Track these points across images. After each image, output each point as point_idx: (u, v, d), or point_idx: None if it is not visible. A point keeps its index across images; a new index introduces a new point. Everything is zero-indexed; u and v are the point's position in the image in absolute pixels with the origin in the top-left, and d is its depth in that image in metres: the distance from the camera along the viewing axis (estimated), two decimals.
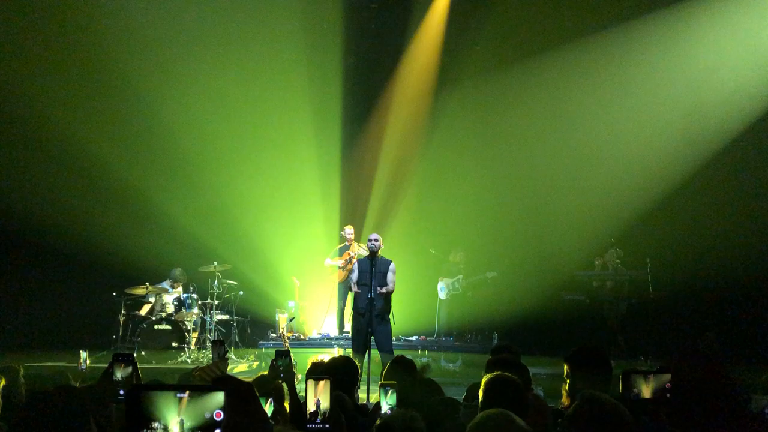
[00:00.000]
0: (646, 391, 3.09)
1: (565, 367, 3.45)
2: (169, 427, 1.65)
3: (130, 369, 3.15)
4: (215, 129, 10.83)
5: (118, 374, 3.10)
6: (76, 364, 6.40)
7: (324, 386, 2.58)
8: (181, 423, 1.65)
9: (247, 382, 1.75)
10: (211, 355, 8.95)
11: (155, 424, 1.65)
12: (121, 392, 2.98)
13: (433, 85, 11.63)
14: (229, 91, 10.82)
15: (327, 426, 2.50)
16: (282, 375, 3.27)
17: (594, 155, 10.44)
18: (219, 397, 1.66)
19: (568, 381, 3.43)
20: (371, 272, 7.47)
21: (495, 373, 3.14)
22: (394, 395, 3.36)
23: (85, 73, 10.09)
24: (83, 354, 6.28)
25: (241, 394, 1.68)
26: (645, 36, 10.15)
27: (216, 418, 1.65)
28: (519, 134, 11.06)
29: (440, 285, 11.03)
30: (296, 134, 11.19)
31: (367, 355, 7.18)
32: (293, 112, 11.08)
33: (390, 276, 7.57)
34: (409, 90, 11.72)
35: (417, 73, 11.68)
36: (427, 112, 11.69)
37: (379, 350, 7.44)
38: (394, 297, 7.71)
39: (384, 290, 7.46)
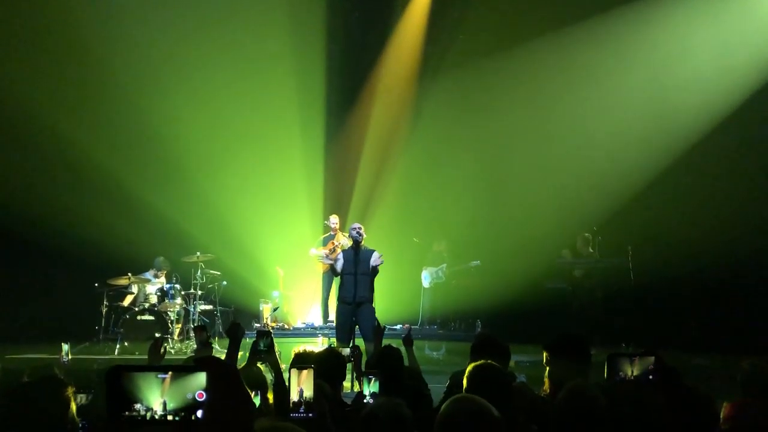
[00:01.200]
0: (631, 374, 3.13)
1: (545, 354, 3.48)
2: (152, 408, 1.64)
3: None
4: (198, 118, 10.71)
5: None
6: (58, 356, 6.35)
7: (307, 375, 2.57)
8: (164, 404, 1.64)
9: (229, 363, 1.73)
10: (194, 346, 8.98)
11: (137, 406, 1.64)
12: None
13: (416, 74, 11.64)
14: (211, 81, 10.73)
15: (310, 415, 2.49)
16: (263, 357, 3.24)
17: (575, 144, 10.51)
18: (201, 377, 1.65)
19: (548, 368, 3.47)
20: (354, 262, 7.51)
21: (480, 361, 3.16)
22: (377, 383, 3.37)
23: (62, 61, 9.96)
24: (65, 346, 6.23)
25: (223, 375, 1.67)
26: (624, 25, 10.22)
27: (198, 399, 1.64)
28: (501, 123, 11.07)
29: (424, 274, 11.08)
30: (279, 123, 11.13)
31: (351, 344, 7.21)
32: (276, 101, 10.97)
33: (375, 260, 7.59)
34: (392, 79, 11.71)
35: (400, 63, 11.67)
36: (410, 102, 11.70)
37: (364, 339, 7.47)
38: (377, 285, 7.73)
39: (377, 262, 7.53)
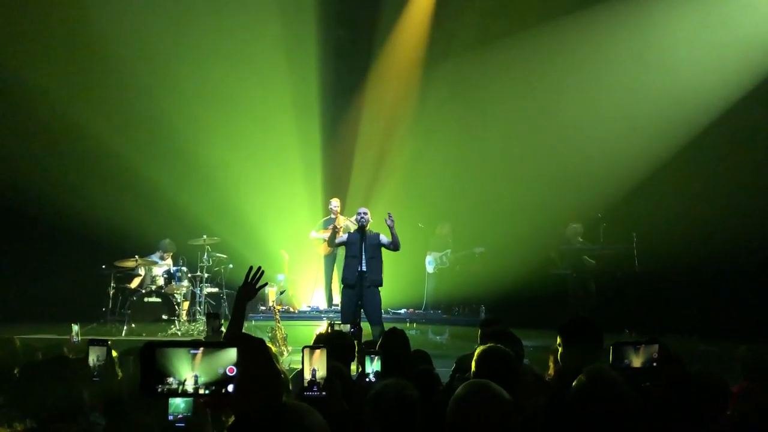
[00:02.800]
0: (636, 361, 3.17)
1: (558, 337, 3.53)
2: (184, 382, 1.70)
3: None
4: (204, 102, 10.73)
5: None
6: (67, 337, 6.43)
7: (320, 355, 2.61)
8: (195, 378, 1.71)
9: (260, 339, 1.81)
10: (201, 328, 9.09)
11: (170, 380, 1.71)
12: None
13: (420, 56, 11.61)
14: (217, 65, 10.76)
15: (323, 394, 2.54)
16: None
17: (581, 130, 10.50)
18: (232, 353, 1.72)
19: (559, 350, 3.51)
20: (361, 246, 7.56)
21: (488, 345, 3.21)
22: (379, 362, 3.42)
23: (72, 46, 9.99)
24: (75, 327, 6.31)
25: (253, 350, 1.74)
26: (634, 9, 10.19)
27: (229, 374, 1.71)
28: (507, 108, 11.07)
29: (428, 259, 11.14)
30: (277, 105, 11.13)
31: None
32: (274, 83, 11.00)
33: (384, 240, 7.64)
34: (396, 62, 11.70)
35: (404, 45, 11.66)
36: (413, 85, 11.67)
37: (369, 322, 7.54)
38: (385, 269, 7.80)
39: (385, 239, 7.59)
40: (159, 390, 1.70)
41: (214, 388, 1.71)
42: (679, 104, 9.99)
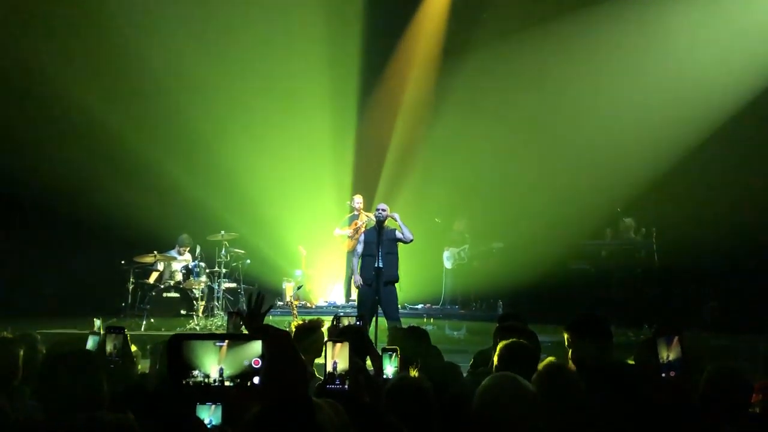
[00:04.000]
0: (671, 354, 3.12)
1: (566, 336, 3.47)
2: (210, 375, 1.70)
3: None
4: (225, 97, 10.77)
5: None
6: (89, 331, 6.48)
7: (341, 348, 2.61)
8: (221, 371, 1.71)
9: (285, 331, 1.79)
10: (219, 323, 9.13)
11: (196, 372, 1.71)
12: None
13: (441, 53, 11.57)
14: (239, 56, 10.76)
15: (345, 387, 2.55)
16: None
17: (602, 123, 10.39)
18: (257, 345, 1.71)
19: (570, 350, 3.48)
20: (378, 242, 7.57)
21: (511, 339, 3.20)
22: (397, 359, 3.41)
23: (96, 47, 10.08)
24: (97, 322, 6.37)
25: (279, 342, 1.73)
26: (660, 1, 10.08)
27: (254, 366, 1.70)
28: (527, 103, 10.97)
29: (446, 254, 11.10)
30: (309, 101, 11.12)
31: (374, 324, 7.27)
32: (307, 78, 11.00)
33: (398, 235, 7.67)
34: (418, 57, 11.66)
35: (425, 41, 11.61)
36: (435, 80, 11.63)
37: (386, 318, 7.54)
38: (402, 265, 7.79)
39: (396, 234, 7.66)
40: (185, 382, 1.70)
41: (239, 380, 1.70)
42: (702, 96, 9.82)
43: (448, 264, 11.06)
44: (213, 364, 1.71)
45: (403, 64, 11.72)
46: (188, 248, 10.01)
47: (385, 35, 11.71)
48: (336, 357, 2.55)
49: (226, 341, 1.73)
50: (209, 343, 1.72)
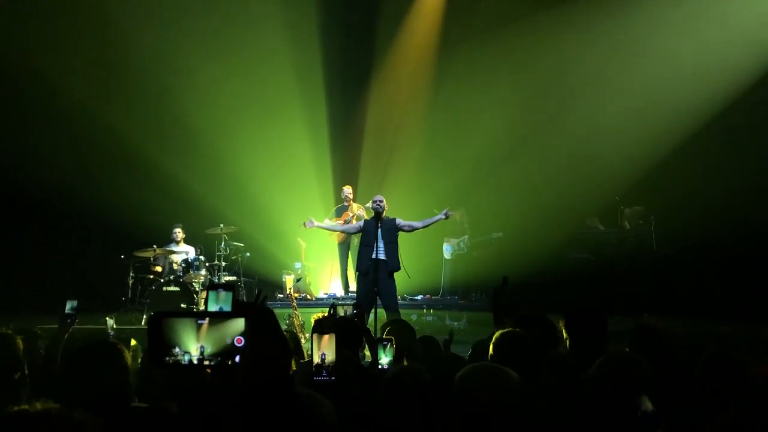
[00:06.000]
0: None
1: (563, 329, 3.47)
2: (190, 353, 1.65)
3: None
4: (220, 90, 10.75)
5: None
6: (102, 327, 6.48)
7: (329, 340, 2.56)
8: (201, 349, 1.66)
9: (268, 308, 1.75)
10: None
11: (176, 350, 1.66)
12: None
13: (433, 41, 11.50)
14: (227, 55, 10.75)
15: (333, 379, 2.51)
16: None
17: (598, 110, 10.35)
18: (239, 323, 1.66)
19: (567, 342, 3.45)
20: (376, 233, 7.54)
21: (506, 329, 3.14)
22: (392, 350, 3.41)
23: (91, 40, 10.09)
24: (110, 321, 6.37)
25: (261, 320, 1.68)
26: None
27: (237, 344, 1.66)
28: (523, 90, 10.93)
29: (445, 245, 11.09)
30: (285, 93, 11.12)
31: (373, 315, 7.24)
32: (282, 71, 11.00)
33: (401, 223, 7.68)
34: (408, 46, 11.60)
35: (416, 29, 11.56)
36: (426, 68, 11.57)
37: (386, 309, 7.51)
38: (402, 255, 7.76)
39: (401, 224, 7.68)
40: (166, 361, 1.66)
41: (219, 359, 1.66)
42: (701, 79, 9.79)
43: (447, 255, 11.05)
44: (193, 342, 1.66)
45: (394, 51, 11.64)
46: (182, 236, 9.96)
47: (372, 26, 11.60)
48: (324, 348, 2.52)
49: (207, 319, 1.68)
50: (190, 321, 1.67)
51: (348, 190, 10.14)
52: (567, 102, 10.70)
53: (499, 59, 10.89)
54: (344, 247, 10.27)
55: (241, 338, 1.65)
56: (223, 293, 1.74)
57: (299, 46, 10.90)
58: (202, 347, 1.65)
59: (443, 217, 7.75)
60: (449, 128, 11.58)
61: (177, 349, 1.65)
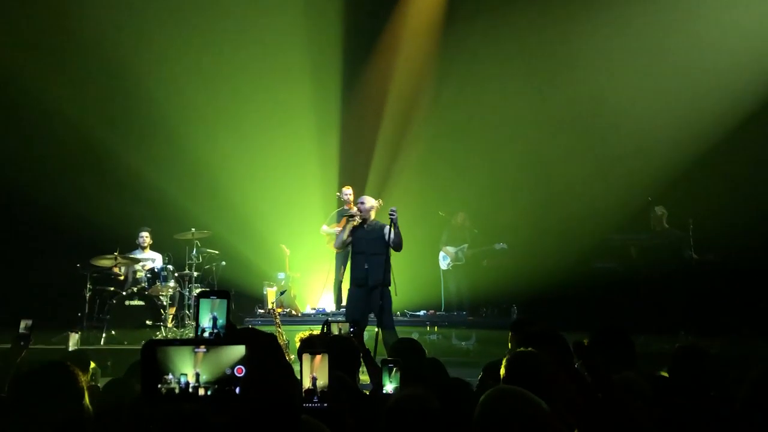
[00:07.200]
0: None
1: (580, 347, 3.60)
2: (185, 380, 1.82)
3: None
4: (192, 77, 10.86)
5: None
6: (64, 347, 6.58)
7: (321, 361, 2.59)
8: (197, 376, 1.82)
9: (270, 334, 1.91)
10: (190, 334, 9.22)
11: (169, 377, 1.82)
12: None
13: (440, 35, 11.69)
14: (208, 36, 10.88)
15: (325, 405, 2.54)
16: None
17: (627, 103, 10.49)
18: (238, 350, 1.83)
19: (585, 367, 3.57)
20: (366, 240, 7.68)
21: (519, 349, 3.28)
22: (398, 374, 3.39)
23: (52, 29, 10.18)
24: (74, 336, 6.47)
25: (263, 347, 1.83)
26: None
27: (237, 374, 1.81)
28: (540, 82, 11.11)
29: (441, 254, 11.28)
30: (290, 84, 11.30)
31: (375, 335, 7.32)
32: (286, 58, 11.19)
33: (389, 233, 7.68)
34: (415, 42, 11.78)
35: (424, 23, 11.73)
36: (434, 61, 11.73)
37: (380, 326, 7.60)
38: (396, 266, 7.85)
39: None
40: (160, 391, 1.82)
41: (216, 386, 1.82)
42: (746, 68, 9.93)
43: (443, 264, 11.23)
44: (189, 370, 1.83)
45: (399, 48, 11.85)
46: (149, 241, 10.06)
47: (380, 17, 11.88)
48: (315, 371, 2.61)
49: (204, 347, 1.84)
50: (186, 349, 1.84)
51: (348, 191, 10.15)
52: (591, 92, 10.81)
53: (514, 49, 11.04)
54: (342, 256, 10.23)
55: (242, 367, 1.82)
56: (217, 301, 1.91)
57: (301, 28, 11.14)
58: (197, 373, 1.83)
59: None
60: (457, 124, 11.73)
61: (170, 376, 1.83)
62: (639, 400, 2.72)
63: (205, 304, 1.90)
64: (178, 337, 9.27)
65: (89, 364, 4.52)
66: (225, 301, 1.89)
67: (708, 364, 3.67)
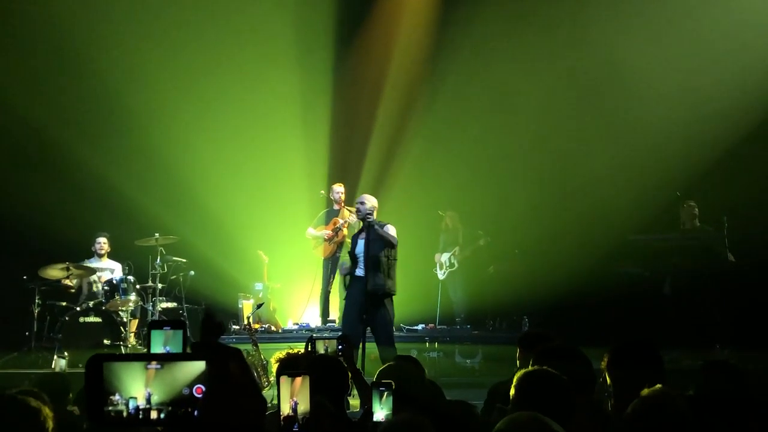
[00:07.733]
0: None
1: (604, 367, 3.55)
2: (135, 400, 1.76)
3: None
4: (158, 70, 10.86)
5: None
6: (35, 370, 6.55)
7: (302, 384, 2.54)
8: (148, 396, 1.76)
9: (235, 348, 1.86)
10: None
11: (115, 398, 1.76)
12: None
13: (439, 28, 11.72)
14: (178, 16, 10.92)
15: None
16: None
17: (654, 80, 10.51)
18: (196, 367, 1.76)
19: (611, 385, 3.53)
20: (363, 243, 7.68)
21: (533, 367, 3.25)
22: (391, 399, 3.35)
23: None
24: (62, 362, 6.40)
25: (227, 361, 1.78)
26: None
27: (196, 394, 1.75)
28: (552, 68, 11.16)
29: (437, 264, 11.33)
30: (273, 71, 11.39)
31: (361, 350, 7.31)
32: (268, 42, 11.23)
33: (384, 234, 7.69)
34: (414, 20, 11.81)
35: (422, 15, 11.76)
36: (436, 45, 11.75)
37: (377, 342, 7.61)
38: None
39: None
40: (108, 414, 1.76)
41: (170, 408, 1.76)
42: None
43: (440, 274, 11.30)
44: (139, 389, 1.77)
45: (394, 40, 11.88)
46: (107, 248, 10.02)
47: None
48: (296, 395, 2.57)
49: (159, 362, 1.79)
50: (137, 365, 1.78)
51: (339, 188, 10.21)
52: (610, 80, 10.83)
53: (519, 33, 11.08)
54: (330, 262, 10.27)
55: (201, 387, 1.76)
56: (171, 332, 1.85)
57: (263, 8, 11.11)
58: (149, 393, 1.77)
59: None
60: (459, 118, 11.78)
61: (118, 397, 1.77)
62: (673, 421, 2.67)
63: (157, 335, 1.83)
64: None
65: (68, 391, 4.48)
66: (180, 332, 1.83)
67: (741, 380, 3.67)
